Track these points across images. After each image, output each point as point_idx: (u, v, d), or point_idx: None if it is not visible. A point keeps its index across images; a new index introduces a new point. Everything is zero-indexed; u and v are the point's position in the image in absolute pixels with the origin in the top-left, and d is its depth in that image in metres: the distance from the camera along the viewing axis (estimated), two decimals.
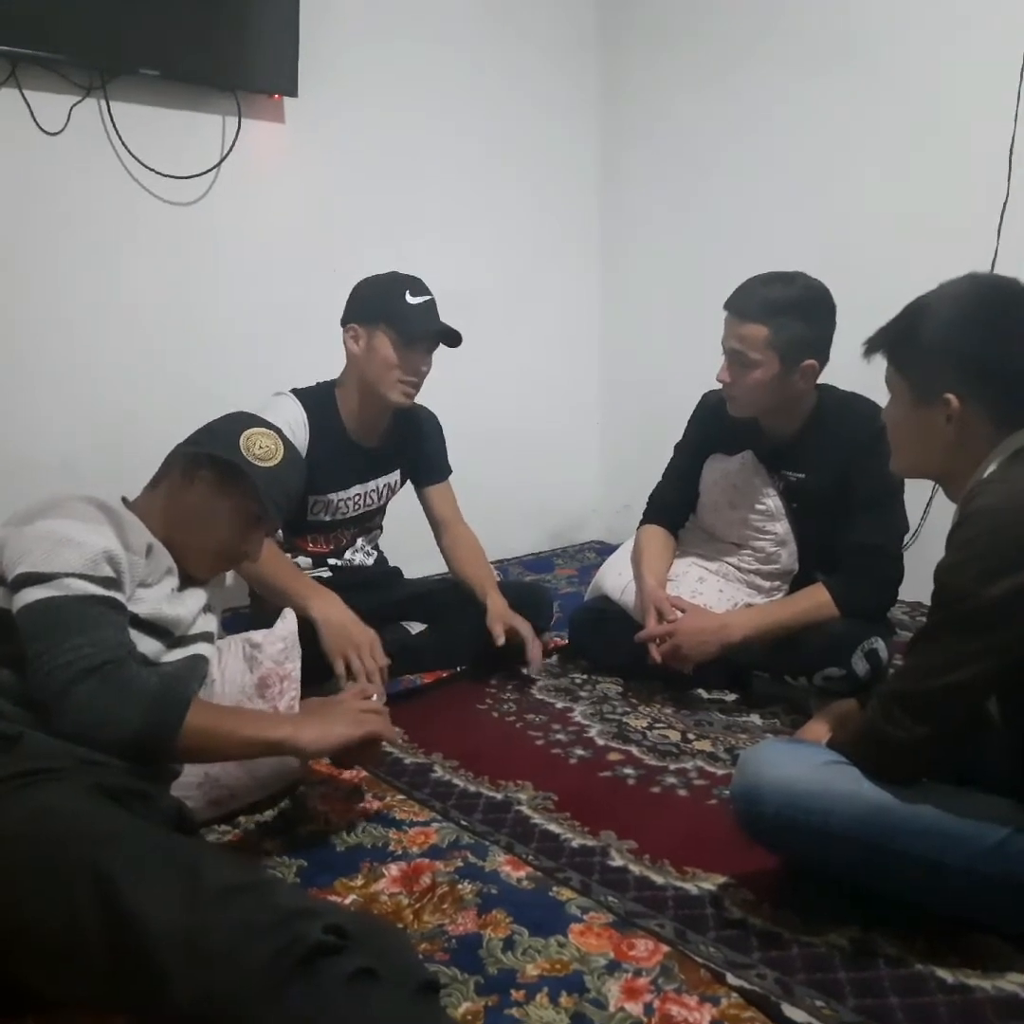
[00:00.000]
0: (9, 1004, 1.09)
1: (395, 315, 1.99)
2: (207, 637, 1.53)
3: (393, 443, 2.19)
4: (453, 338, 2.05)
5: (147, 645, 1.37)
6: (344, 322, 2.06)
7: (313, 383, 2.13)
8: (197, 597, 1.51)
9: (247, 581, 1.97)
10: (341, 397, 2.11)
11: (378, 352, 2.01)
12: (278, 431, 1.55)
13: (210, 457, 1.47)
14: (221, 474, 1.46)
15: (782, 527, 2.09)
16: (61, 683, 1.18)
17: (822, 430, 2.01)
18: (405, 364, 2.02)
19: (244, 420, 1.54)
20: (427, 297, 2.03)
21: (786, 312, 1.89)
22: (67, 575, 1.24)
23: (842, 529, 1.95)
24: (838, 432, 1.98)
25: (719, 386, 2.06)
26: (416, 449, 2.25)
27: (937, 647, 1.17)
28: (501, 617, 2.08)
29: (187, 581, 1.50)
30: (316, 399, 2.06)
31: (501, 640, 2.05)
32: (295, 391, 2.07)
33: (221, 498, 1.47)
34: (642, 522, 2.28)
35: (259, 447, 1.48)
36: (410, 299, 1.99)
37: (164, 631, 1.42)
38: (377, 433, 2.15)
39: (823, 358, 1.95)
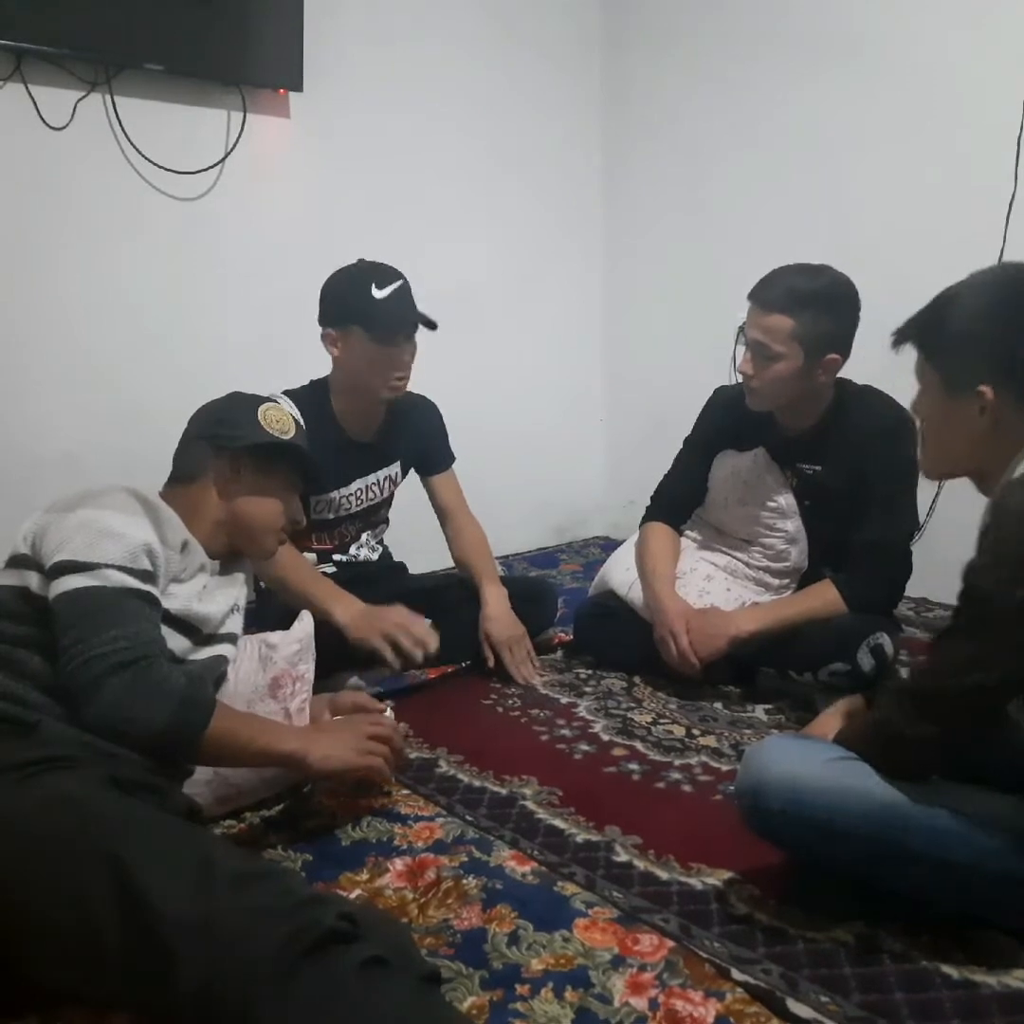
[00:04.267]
0: (12, 1003, 1.09)
1: (364, 314, 1.92)
2: (232, 638, 1.54)
3: (391, 435, 2.17)
4: (429, 325, 1.99)
5: (175, 642, 1.38)
6: (320, 324, 2.01)
7: (306, 381, 2.11)
8: (228, 597, 1.53)
9: (269, 585, 1.96)
10: (333, 394, 2.09)
11: (356, 353, 1.97)
12: (275, 400, 1.60)
13: (248, 447, 1.50)
14: (262, 457, 1.51)
15: (793, 525, 2.08)
16: (95, 674, 1.18)
17: (840, 423, 2.00)
18: (385, 361, 1.97)
19: (248, 399, 1.56)
20: (395, 285, 1.94)
21: (812, 305, 1.86)
22: (107, 566, 1.25)
23: (853, 524, 1.94)
24: (856, 425, 1.97)
25: (729, 381, 2.05)
26: (416, 440, 2.23)
27: (960, 647, 1.15)
28: (486, 634, 2.12)
29: (226, 569, 1.54)
30: (309, 399, 2.02)
31: (490, 663, 2.11)
32: (287, 392, 2.03)
33: (269, 477, 1.53)
34: (646, 519, 2.26)
35: (276, 420, 1.53)
36: (376, 293, 1.91)
37: (192, 629, 1.43)
38: (373, 427, 2.14)
39: (846, 353, 1.93)
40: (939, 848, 1.16)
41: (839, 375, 2.00)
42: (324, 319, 2.01)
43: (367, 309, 1.92)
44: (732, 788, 1.37)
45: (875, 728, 1.25)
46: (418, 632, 1.89)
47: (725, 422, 2.15)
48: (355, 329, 1.95)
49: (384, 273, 1.96)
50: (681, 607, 2.04)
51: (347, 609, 1.90)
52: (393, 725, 1.59)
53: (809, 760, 1.25)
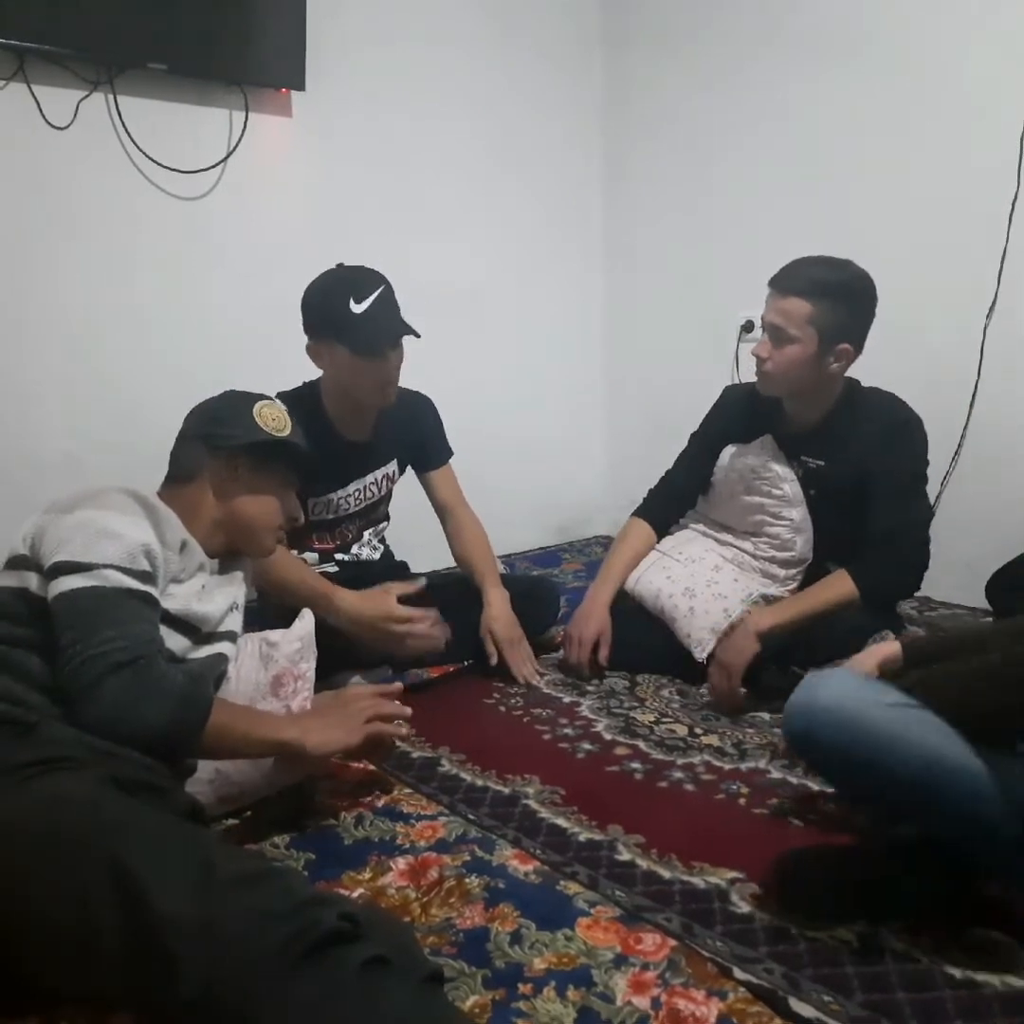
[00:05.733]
0: (11, 1004, 1.09)
1: (345, 329, 1.89)
2: (231, 636, 1.55)
3: (386, 433, 2.16)
4: (412, 334, 1.96)
5: (175, 641, 1.39)
6: (305, 334, 1.98)
7: (307, 380, 2.11)
8: (227, 596, 1.53)
9: (267, 589, 1.96)
10: (325, 396, 2.08)
11: (341, 367, 1.95)
12: (271, 397, 1.60)
13: (244, 446, 1.50)
14: (258, 455, 1.52)
15: (799, 513, 2.08)
16: (93, 674, 1.19)
17: (846, 419, 2.02)
18: (371, 374, 1.95)
19: (243, 398, 1.56)
20: (375, 294, 1.90)
21: (831, 293, 1.89)
22: (105, 566, 1.26)
23: (864, 517, 1.94)
24: (861, 422, 1.99)
25: (730, 380, 2.06)
26: (412, 436, 2.22)
27: None
28: (489, 631, 2.12)
29: (225, 568, 1.55)
30: (302, 401, 1.97)
31: (494, 660, 2.12)
32: (279, 394, 1.98)
33: (266, 475, 1.54)
34: (635, 511, 2.30)
35: (271, 418, 1.53)
36: (355, 307, 1.87)
37: (192, 628, 1.43)
38: (367, 427, 2.12)
39: (859, 346, 1.95)
40: (986, 814, 1.14)
41: (847, 374, 2.01)
42: (307, 330, 1.98)
43: (348, 325, 1.89)
44: (785, 707, 1.30)
45: (984, 686, 1.20)
46: (418, 626, 1.93)
47: (733, 419, 2.18)
48: (336, 344, 1.93)
49: (363, 282, 1.91)
50: (602, 623, 2.12)
51: (343, 612, 1.91)
52: (391, 699, 1.60)
53: (869, 699, 1.22)
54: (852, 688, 1.26)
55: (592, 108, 3.45)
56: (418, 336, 1.96)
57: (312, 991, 0.87)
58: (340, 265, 1.99)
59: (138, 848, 0.98)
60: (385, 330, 1.93)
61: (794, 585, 2.12)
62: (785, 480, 2.08)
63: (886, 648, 1.49)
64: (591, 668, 2.13)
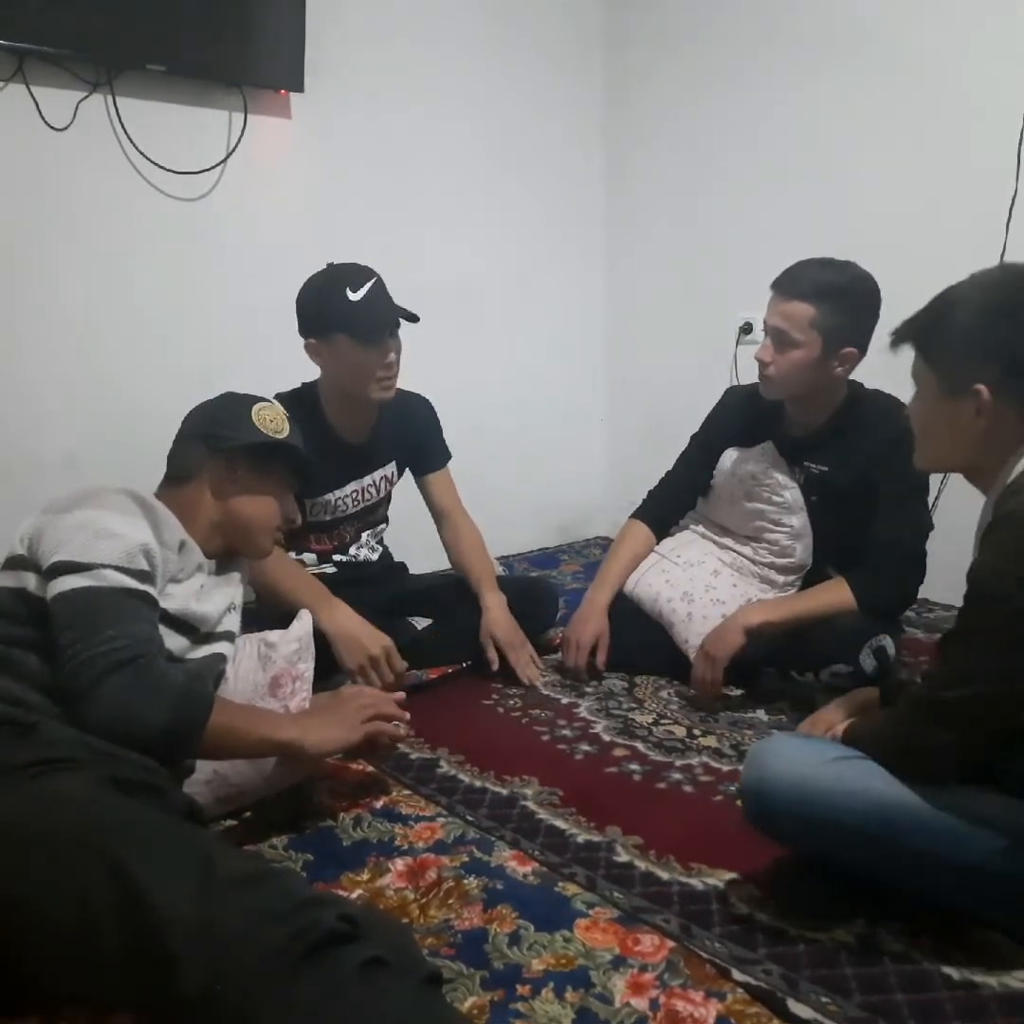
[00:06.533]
0: (12, 1003, 1.09)
1: (345, 319, 1.92)
2: (229, 636, 1.55)
3: (385, 435, 2.16)
4: (410, 318, 1.98)
5: (173, 641, 1.39)
6: (301, 336, 2.00)
7: (306, 381, 2.11)
8: (225, 596, 1.53)
9: (256, 589, 1.95)
10: (324, 398, 2.08)
11: (343, 359, 1.96)
12: (269, 400, 1.61)
13: (243, 447, 1.50)
14: (257, 457, 1.52)
15: (799, 520, 2.08)
16: (93, 674, 1.19)
17: (849, 423, 2.01)
18: (373, 362, 1.96)
19: (242, 400, 1.57)
20: (369, 284, 1.93)
21: (834, 296, 1.88)
22: (104, 566, 1.26)
23: (865, 525, 1.94)
24: (865, 427, 1.97)
25: (730, 381, 2.06)
26: (411, 438, 2.22)
27: (970, 654, 1.14)
28: (490, 635, 2.12)
29: (222, 568, 1.55)
30: (300, 402, 1.98)
31: (495, 666, 2.12)
32: (277, 396, 1.99)
33: (264, 476, 1.54)
34: (634, 514, 2.29)
35: (270, 420, 1.54)
36: (353, 296, 1.91)
37: (190, 628, 1.44)
38: (366, 428, 2.13)
39: (863, 348, 1.94)
40: (941, 848, 1.16)
41: (850, 377, 2.00)
42: (305, 331, 1.99)
43: (347, 314, 1.91)
44: (736, 787, 1.36)
45: (892, 731, 1.24)
46: (389, 673, 1.87)
47: (735, 421, 2.17)
48: (339, 336, 1.94)
49: (356, 274, 1.95)
50: (600, 626, 2.12)
51: (334, 618, 1.87)
52: (388, 697, 1.61)
53: (812, 760, 1.25)
54: (795, 751, 1.28)
55: (592, 108, 3.44)
56: (416, 319, 1.98)
57: (312, 991, 0.88)
58: (329, 264, 2.00)
59: (138, 848, 0.98)
60: (384, 314, 1.95)
61: (792, 592, 2.12)
62: (785, 487, 2.07)
63: (859, 698, 1.52)
64: (589, 672, 2.13)
